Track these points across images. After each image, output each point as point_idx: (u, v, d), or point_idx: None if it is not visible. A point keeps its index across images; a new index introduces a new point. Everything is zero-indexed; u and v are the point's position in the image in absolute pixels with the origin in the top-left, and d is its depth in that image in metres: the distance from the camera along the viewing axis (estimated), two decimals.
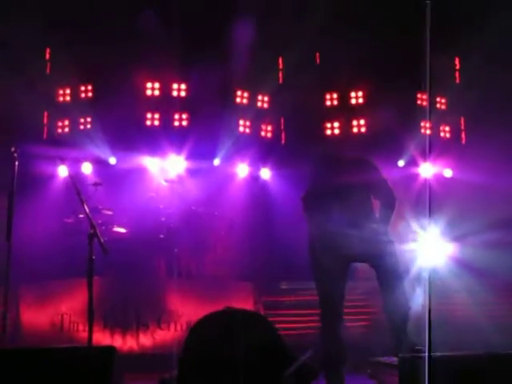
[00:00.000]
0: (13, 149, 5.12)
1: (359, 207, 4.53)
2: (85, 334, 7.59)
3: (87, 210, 4.27)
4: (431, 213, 10.37)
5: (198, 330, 3.54)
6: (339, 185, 4.53)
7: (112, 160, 10.40)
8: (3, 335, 4.67)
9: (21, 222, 6.06)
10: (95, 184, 9.31)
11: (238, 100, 10.75)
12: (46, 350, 3.93)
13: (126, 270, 8.52)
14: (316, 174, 4.70)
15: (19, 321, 7.83)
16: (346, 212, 4.47)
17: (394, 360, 3.40)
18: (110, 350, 3.60)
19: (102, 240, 4.22)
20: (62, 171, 9.94)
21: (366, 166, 4.60)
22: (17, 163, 5.11)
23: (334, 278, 4.49)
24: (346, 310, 6.87)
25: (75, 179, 4.60)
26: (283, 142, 10.98)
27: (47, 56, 10.23)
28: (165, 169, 10.66)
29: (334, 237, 4.41)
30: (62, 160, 9.72)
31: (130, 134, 10.25)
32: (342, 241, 4.41)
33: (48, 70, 10.23)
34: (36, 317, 7.94)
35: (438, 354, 3.01)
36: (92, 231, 4.17)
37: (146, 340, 7.90)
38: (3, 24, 8.74)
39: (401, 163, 11.12)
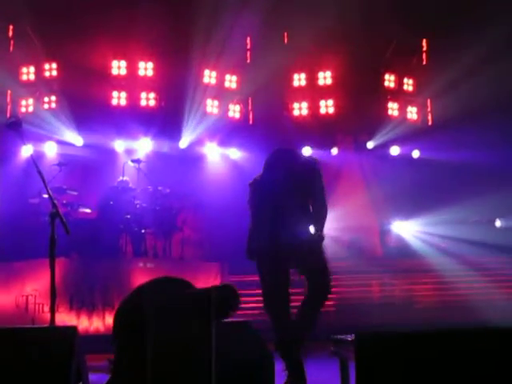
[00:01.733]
0: None
1: (297, 211, 4.62)
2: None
3: (48, 189, 4.21)
4: (400, 193, 10.46)
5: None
6: (282, 186, 4.61)
7: (77, 140, 10.26)
8: None
9: None
10: (60, 164, 9.18)
11: (206, 80, 10.65)
12: (5, 330, 3.87)
13: (93, 250, 8.44)
14: (264, 171, 4.77)
15: None
16: (284, 215, 4.56)
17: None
18: (72, 329, 3.56)
19: (64, 219, 4.16)
20: (26, 151, 9.78)
21: (311, 171, 4.68)
22: None
23: (276, 270, 4.57)
24: None
25: (36, 159, 4.49)
26: (251, 122, 10.94)
27: (10, 33, 10.01)
28: (131, 149, 10.55)
29: (269, 238, 4.52)
30: (26, 140, 9.53)
31: (96, 114, 10.10)
32: (278, 244, 4.50)
33: (11, 48, 10.01)
34: (0, 298, 7.85)
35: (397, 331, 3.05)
36: (54, 210, 4.11)
37: (112, 320, 7.86)
38: None
39: (370, 145, 11.16)
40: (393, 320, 7.79)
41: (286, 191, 4.59)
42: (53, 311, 4.17)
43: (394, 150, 11.21)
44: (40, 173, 4.10)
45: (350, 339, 3.71)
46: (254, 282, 8.70)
